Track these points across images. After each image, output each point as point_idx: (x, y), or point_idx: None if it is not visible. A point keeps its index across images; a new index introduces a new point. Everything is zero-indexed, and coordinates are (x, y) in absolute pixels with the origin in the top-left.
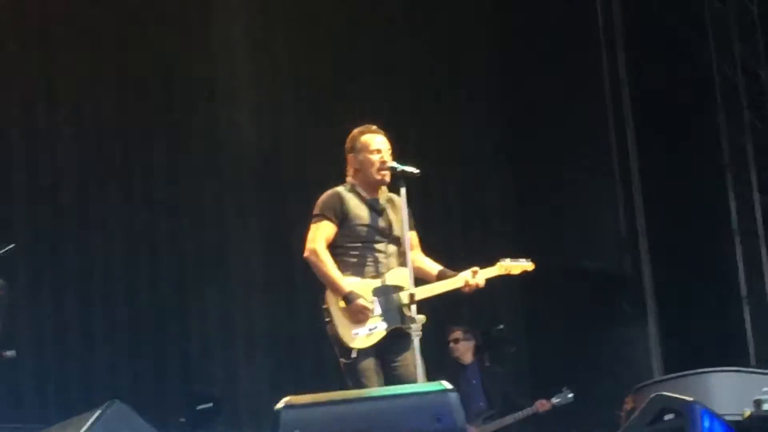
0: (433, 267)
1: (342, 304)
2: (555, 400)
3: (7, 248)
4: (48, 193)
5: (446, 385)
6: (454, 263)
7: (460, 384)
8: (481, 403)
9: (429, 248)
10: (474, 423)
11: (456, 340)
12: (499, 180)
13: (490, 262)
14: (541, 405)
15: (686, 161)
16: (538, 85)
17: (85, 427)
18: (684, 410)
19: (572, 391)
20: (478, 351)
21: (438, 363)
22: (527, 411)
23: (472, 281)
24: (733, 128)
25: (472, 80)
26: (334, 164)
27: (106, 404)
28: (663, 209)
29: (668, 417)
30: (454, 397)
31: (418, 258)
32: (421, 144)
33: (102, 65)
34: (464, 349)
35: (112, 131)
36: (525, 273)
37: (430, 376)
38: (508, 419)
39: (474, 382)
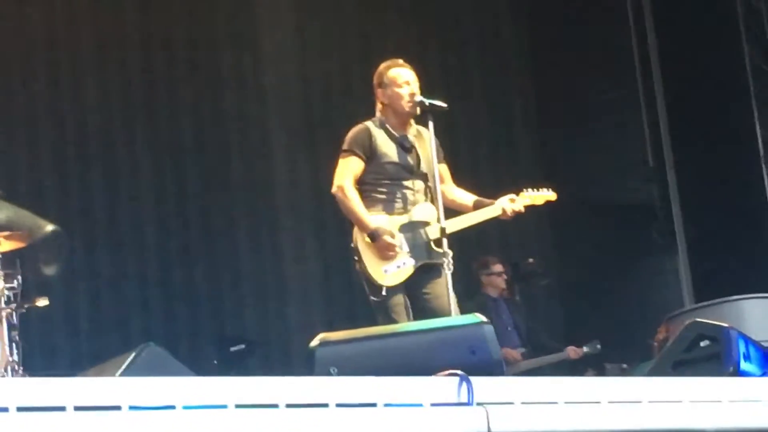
0: (467, 198)
1: (368, 241)
2: (586, 349)
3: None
4: (76, 140)
5: (480, 317)
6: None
7: (493, 320)
8: (514, 338)
9: (456, 182)
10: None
11: (499, 273)
12: (525, 114)
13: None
14: (573, 352)
15: (713, 90)
16: (564, 15)
17: (120, 370)
18: (720, 336)
19: (600, 343)
20: (506, 286)
21: (463, 298)
22: (559, 356)
23: (509, 207)
24: (759, 58)
25: (497, 11)
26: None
27: (140, 347)
28: (690, 139)
29: (704, 343)
30: (488, 329)
31: (451, 190)
32: (447, 76)
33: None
34: (499, 283)
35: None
36: (549, 203)
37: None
38: (540, 361)
39: (504, 317)
